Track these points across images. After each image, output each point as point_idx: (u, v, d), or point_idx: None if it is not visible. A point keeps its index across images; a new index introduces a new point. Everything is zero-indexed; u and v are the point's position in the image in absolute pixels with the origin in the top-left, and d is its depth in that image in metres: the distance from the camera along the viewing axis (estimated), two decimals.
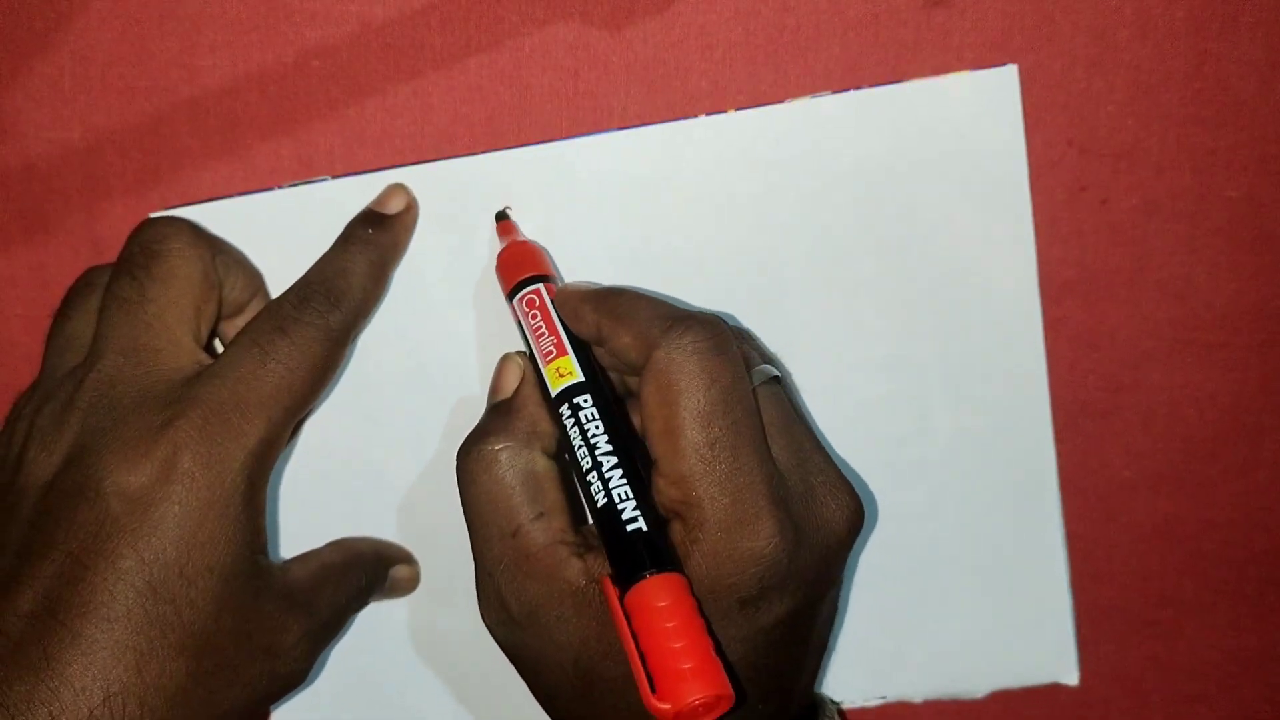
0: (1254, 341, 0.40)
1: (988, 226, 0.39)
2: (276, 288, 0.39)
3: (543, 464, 0.34)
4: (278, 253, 0.39)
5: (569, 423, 0.33)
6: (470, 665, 0.41)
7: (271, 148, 0.40)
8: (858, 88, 0.38)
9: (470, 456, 0.34)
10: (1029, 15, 0.38)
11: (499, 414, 0.35)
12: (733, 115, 0.38)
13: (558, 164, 0.39)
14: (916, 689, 0.41)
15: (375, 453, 0.40)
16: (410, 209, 0.38)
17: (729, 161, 0.39)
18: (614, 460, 0.32)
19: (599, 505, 0.32)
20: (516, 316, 0.36)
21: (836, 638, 0.41)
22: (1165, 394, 0.41)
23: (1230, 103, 0.39)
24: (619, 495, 0.32)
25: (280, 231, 0.39)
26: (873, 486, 0.40)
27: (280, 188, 0.39)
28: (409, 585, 0.40)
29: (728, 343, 0.32)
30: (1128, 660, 0.42)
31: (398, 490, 0.40)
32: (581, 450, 0.33)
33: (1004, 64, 0.38)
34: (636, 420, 0.35)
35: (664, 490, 0.32)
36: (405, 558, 0.40)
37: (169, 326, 0.34)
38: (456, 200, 0.39)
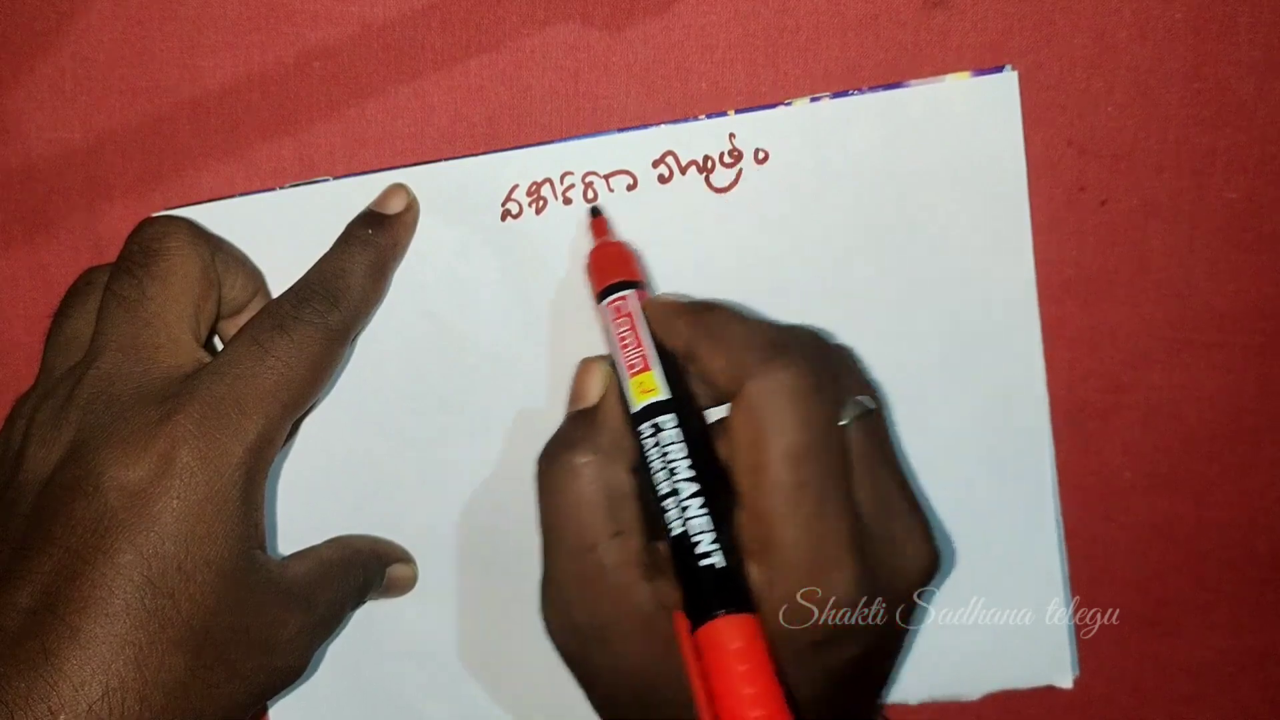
0: (1254, 341, 0.40)
1: (987, 228, 0.39)
2: (277, 288, 0.39)
3: (624, 481, 0.33)
4: (278, 253, 0.39)
5: (649, 442, 0.32)
6: (467, 664, 0.40)
7: (272, 148, 0.40)
8: (857, 88, 0.38)
9: (554, 468, 0.33)
10: (1028, 16, 0.38)
11: (582, 423, 0.34)
12: (733, 116, 0.39)
13: (558, 164, 0.39)
14: (912, 692, 0.41)
15: (374, 451, 0.40)
16: (410, 209, 0.38)
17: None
18: (693, 488, 0.31)
19: (674, 534, 0.31)
20: (604, 322, 0.35)
21: None
22: (1165, 394, 0.41)
23: (1230, 103, 0.39)
24: (696, 527, 0.30)
25: (280, 231, 0.39)
26: None
27: (281, 188, 0.39)
28: (406, 584, 0.40)
29: (825, 380, 0.32)
30: (1127, 660, 0.42)
31: (396, 489, 0.40)
32: (661, 474, 0.31)
33: (1003, 65, 0.38)
34: (722, 445, 0.33)
35: (746, 525, 0.31)
36: (403, 556, 0.40)
37: (168, 324, 0.34)
38: (456, 200, 0.39)
